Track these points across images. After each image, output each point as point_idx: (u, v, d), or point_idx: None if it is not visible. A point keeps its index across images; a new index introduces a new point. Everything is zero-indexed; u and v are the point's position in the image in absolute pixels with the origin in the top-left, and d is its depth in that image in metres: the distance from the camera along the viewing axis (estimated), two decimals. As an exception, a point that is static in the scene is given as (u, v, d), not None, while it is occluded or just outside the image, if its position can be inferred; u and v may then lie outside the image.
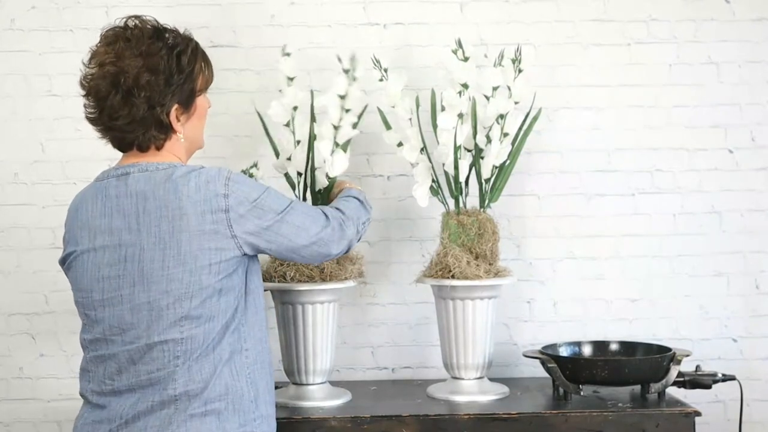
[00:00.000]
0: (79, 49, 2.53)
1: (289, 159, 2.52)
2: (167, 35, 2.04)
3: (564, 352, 2.64)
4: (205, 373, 1.95)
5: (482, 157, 2.55)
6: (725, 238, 2.88)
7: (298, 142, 2.51)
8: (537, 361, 2.56)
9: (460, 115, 2.48)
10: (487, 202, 2.57)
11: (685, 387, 2.52)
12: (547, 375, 2.54)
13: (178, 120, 2.04)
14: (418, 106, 2.58)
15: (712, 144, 2.87)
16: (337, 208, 2.20)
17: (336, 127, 2.47)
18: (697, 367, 2.56)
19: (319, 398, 2.49)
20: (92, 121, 2.04)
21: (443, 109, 2.50)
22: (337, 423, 2.34)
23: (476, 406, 2.45)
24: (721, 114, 2.87)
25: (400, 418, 2.35)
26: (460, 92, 2.48)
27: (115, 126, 2.00)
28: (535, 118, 2.63)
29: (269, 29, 2.84)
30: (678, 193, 2.87)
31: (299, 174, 2.52)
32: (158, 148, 2.04)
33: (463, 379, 2.55)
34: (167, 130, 2.03)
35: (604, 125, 2.87)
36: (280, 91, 2.52)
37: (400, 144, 2.58)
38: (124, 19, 2.04)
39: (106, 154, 2.26)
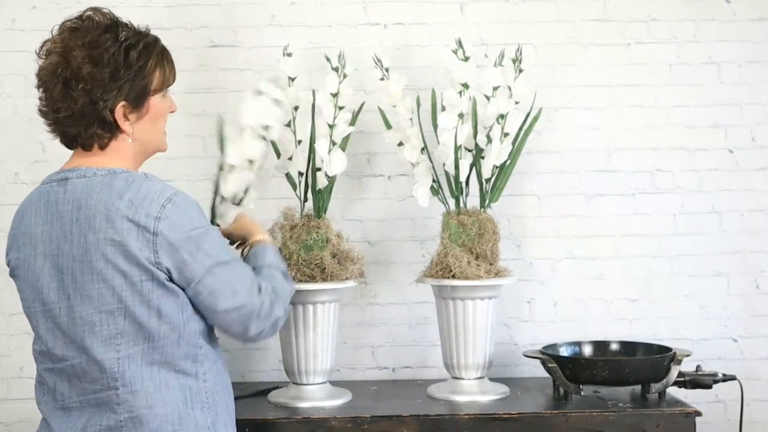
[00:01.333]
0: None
1: (290, 159, 2.52)
2: (121, 30, 1.92)
3: (564, 352, 2.64)
4: (151, 399, 1.85)
5: (483, 157, 2.55)
6: (725, 238, 2.88)
7: (299, 141, 2.51)
8: (537, 361, 2.56)
9: (461, 115, 2.48)
10: (487, 202, 2.57)
11: (685, 387, 2.52)
12: (547, 375, 2.54)
13: (127, 119, 1.91)
14: (418, 105, 2.58)
15: (712, 144, 2.88)
16: (272, 286, 2.02)
17: (331, 126, 2.47)
18: (698, 367, 2.56)
19: (319, 398, 2.49)
20: (41, 114, 1.94)
21: (444, 109, 2.50)
22: (337, 423, 2.34)
23: (476, 406, 2.45)
24: (721, 114, 2.87)
25: (400, 418, 2.35)
26: (460, 92, 2.48)
27: (58, 119, 1.90)
28: (535, 118, 2.63)
29: (269, 29, 2.83)
30: (678, 193, 2.87)
31: (300, 174, 2.52)
32: (102, 148, 1.91)
33: (463, 379, 2.55)
34: (112, 128, 1.90)
35: (604, 125, 2.87)
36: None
37: (400, 144, 2.58)
38: (85, 11, 1.94)
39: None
